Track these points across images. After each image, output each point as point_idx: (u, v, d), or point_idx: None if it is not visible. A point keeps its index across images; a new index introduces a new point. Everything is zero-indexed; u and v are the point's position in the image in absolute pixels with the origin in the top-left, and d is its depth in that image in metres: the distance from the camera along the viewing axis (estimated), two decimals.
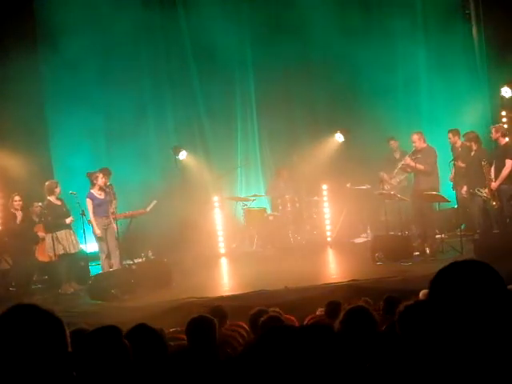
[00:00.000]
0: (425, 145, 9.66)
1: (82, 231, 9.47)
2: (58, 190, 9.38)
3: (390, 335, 3.43)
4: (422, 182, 9.46)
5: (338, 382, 2.35)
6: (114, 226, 9.51)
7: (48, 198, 9.31)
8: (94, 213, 9.29)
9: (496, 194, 9.04)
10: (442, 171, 10.22)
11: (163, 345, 3.43)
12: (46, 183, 9.50)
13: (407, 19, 12.50)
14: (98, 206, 9.32)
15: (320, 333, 2.39)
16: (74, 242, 9.40)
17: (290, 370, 2.31)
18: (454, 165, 10.10)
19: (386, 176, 10.59)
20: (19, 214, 9.40)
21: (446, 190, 10.17)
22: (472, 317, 1.64)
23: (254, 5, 12.47)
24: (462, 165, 9.62)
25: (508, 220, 9.31)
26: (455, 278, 1.71)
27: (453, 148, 10.31)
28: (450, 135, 10.18)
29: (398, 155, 10.67)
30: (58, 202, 9.38)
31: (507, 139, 9.62)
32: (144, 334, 3.39)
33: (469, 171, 9.45)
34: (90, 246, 9.97)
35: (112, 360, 2.81)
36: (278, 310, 5.93)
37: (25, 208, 9.59)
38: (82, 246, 9.65)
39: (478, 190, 9.15)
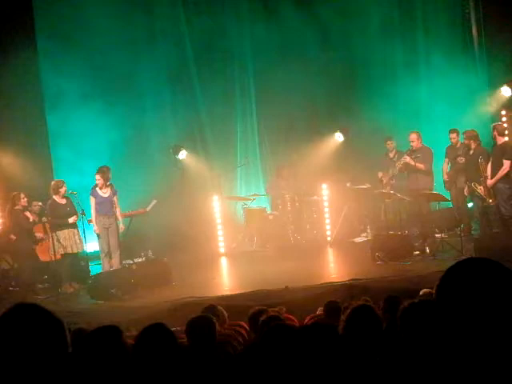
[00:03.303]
0: (421, 144, 9.68)
1: (82, 231, 9.47)
2: (62, 190, 9.34)
3: (390, 334, 3.43)
4: (420, 182, 9.45)
5: (342, 380, 2.35)
6: (121, 225, 9.51)
7: (53, 196, 9.30)
8: (95, 210, 9.30)
9: (492, 191, 9.06)
10: (437, 172, 10.25)
11: (176, 346, 3.42)
12: (52, 182, 9.51)
13: (407, 18, 12.53)
14: (100, 203, 9.31)
15: (323, 332, 2.39)
16: (78, 241, 9.36)
17: (294, 369, 2.31)
18: (452, 164, 10.15)
19: (383, 176, 10.57)
20: (30, 215, 9.31)
21: (440, 189, 10.20)
22: (482, 316, 1.63)
23: (253, 2, 12.50)
24: (463, 159, 9.65)
25: (507, 219, 9.33)
26: (465, 276, 1.69)
27: (450, 147, 10.33)
28: (454, 135, 10.22)
29: (392, 155, 10.68)
30: (63, 201, 9.34)
31: (506, 138, 9.65)
32: (161, 333, 3.37)
33: (467, 169, 9.49)
34: (90, 246, 9.97)
35: (111, 359, 2.81)
36: (283, 308, 5.96)
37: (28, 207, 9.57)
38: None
39: (474, 185, 9.20)
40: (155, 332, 3.34)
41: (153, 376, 3.11)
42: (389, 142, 10.78)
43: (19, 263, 9.52)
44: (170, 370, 3.17)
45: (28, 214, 9.35)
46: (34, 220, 9.43)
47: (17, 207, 9.38)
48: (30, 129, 10.83)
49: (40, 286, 9.83)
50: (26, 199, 9.42)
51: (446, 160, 10.37)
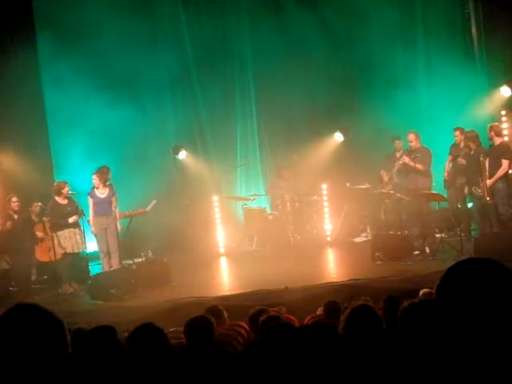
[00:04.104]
0: (419, 144, 9.67)
1: (82, 231, 9.45)
2: (65, 191, 9.27)
3: (390, 334, 3.43)
4: (419, 182, 9.45)
5: (342, 381, 2.35)
6: (118, 225, 9.47)
7: (55, 197, 9.28)
8: (93, 211, 9.28)
9: (489, 191, 9.07)
10: (438, 171, 10.25)
11: (167, 345, 3.43)
12: (55, 183, 9.49)
13: (407, 18, 12.53)
14: (98, 204, 9.29)
15: (323, 332, 2.39)
16: (79, 241, 9.31)
17: (294, 369, 2.31)
18: (453, 163, 10.14)
19: (385, 175, 10.57)
20: (15, 217, 9.28)
21: (439, 189, 10.20)
22: (482, 316, 1.62)
23: (253, 3, 12.50)
24: (463, 161, 9.64)
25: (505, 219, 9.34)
26: (465, 276, 1.69)
27: (454, 146, 10.31)
28: (458, 133, 10.18)
29: (399, 155, 10.66)
30: (64, 201, 9.29)
31: (506, 138, 9.66)
32: (150, 333, 3.38)
33: (468, 170, 9.49)
34: (90, 246, 9.96)
35: (107, 359, 2.82)
36: (283, 308, 5.96)
37: (21, 209, 9.51)
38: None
39: (475, 190, 9.20)
40: (145, 332, 3.35)
41: (148, 376, 3.11)
42: (397, 142, 10.75)
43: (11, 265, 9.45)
44: (165, 370, 3.18)
45: (14, 217, 9.28)
46: (16, 223, 9.33)
47: (9, 211, 9.38)
48: (31, 129, 10.81)
49: (40, 286, 9.83)
50: (17, 203, 9.39)
51: (449, 158, 10.33)
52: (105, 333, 3.01)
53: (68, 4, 11.47)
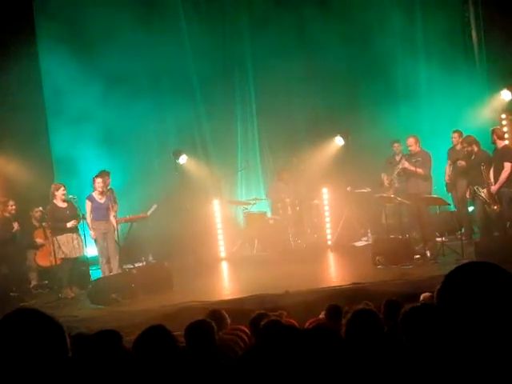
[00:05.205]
0: (419, 148, 9.65)
1: (83, 235, 9.43)
2: (59, 194, 9.20)
3: (391, 338, 3.42)
4: (420, 186, 9.44)
5: None
6: (115, 230, 9.45)
7: (53, 201, 9.27)
8: (91, 215, 9.27)
9: (496, 197, 9.05)
10: (438, 174, 10.24)
11: (175, 349, 3.41)
12: (52, 186, 9.46)
13: (407, 22, 12.55)
14: (96, 209, 9.27)
15: (325, 335, 2.38)
16: (77, 246, 9.27)
17: (296, 372, 2.30)
18: (453, 166, 10.14)
19: (386, 178, 10.56)
20: (16, 224, 9.26)
21: (441, 192, 10.19)
22: (483, 320, 1.62)
23: (253, 8, 12.52)
24: (463, 163, 9.63)
25: (508, 224, 9.31)
26: (466, 280, 1.69)
27: (452, 149, 10.31)
28: (456, 135, 10.18)
29: (399, 158, 10.65)
30: (63, 205, 9.24)
31: (507, 142, 9.65)
32: (160, 335, 3.36)
33: (469, 173, 9.47)
34: (90, 250, 9.95)
35: (111, 364, 2.81)
36: (284, 312, 5.95)
37: (19, 214, 9.46)
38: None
39: (478, 189, 9.17)
40: (155, 334, 3.34)
41: (152, 380, 3.11)
42: (395, 145, 10.75)
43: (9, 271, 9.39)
44: (169, 373, 3.17)
45: (15, 224, 9.26)
46: (17, 229, 9.33)
47: (6, 214, 9.34)
48: (31, 134, 10.80)
49: (40, 290, 9.82)
50: (14, 207, 9.37)
51: (449, 162, 10.34)
52: (110, 337, 3.00)
53: (68, 5, 11.51)
